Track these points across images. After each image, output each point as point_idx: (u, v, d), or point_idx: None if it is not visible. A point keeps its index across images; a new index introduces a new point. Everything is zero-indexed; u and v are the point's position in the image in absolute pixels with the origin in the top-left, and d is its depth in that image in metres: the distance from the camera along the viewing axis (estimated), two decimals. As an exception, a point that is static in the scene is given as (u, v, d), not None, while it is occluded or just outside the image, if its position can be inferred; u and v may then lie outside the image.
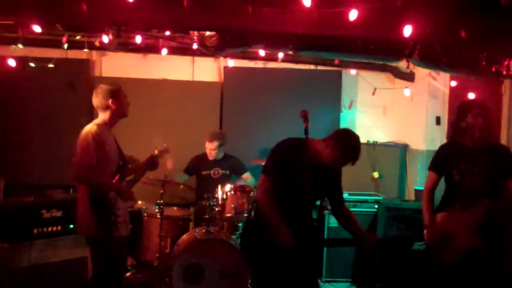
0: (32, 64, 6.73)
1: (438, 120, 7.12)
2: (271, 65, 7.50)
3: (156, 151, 4.83)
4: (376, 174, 7.20)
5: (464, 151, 4.41)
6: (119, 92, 4.39)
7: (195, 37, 5.45)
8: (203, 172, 6.58)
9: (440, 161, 4.57)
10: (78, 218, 4.31)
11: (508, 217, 4.34)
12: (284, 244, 3.75)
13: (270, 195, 3.87)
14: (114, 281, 4.37)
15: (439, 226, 4.45)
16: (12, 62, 6.60)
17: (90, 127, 4.26)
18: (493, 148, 4.44)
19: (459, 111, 4.52)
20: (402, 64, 7.05)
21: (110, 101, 4.31)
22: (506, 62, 5.40)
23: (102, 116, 4.37)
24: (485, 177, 4.31)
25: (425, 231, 4.57)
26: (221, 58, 7.36)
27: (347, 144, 3.90)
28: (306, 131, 3.88)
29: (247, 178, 6.60)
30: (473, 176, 4.33)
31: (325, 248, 6.48)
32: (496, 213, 4.25)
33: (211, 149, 6.47)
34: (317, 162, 3.91)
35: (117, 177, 4.32)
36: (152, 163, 4.71)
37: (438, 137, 7.21)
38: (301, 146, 3.80)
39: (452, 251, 4.33)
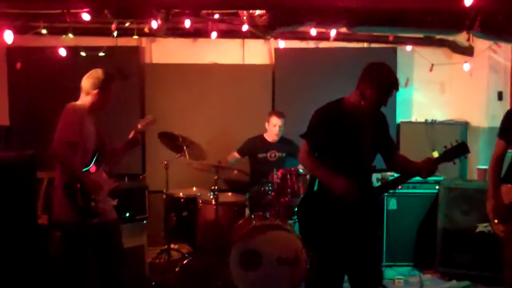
0: (82, 54, 6.73)
1: (500, 95, 6.84)
2: (323, 44, 7.30)
3: (139, 126, 4.55)
4: (435, 154, 6.90)
5: None
6: (109, 86, 4.26)
7: (244, 17, 5.31)
8: (259, 155, 6.51)
9: (508, 127, 4.28)
10: (54, 208, 4.17)
11: None
12: (345, 193, 3.68)
13: (309, 153, 3.86)
14: (107, 272, 4.34)
15: (505, 199, 4.16)
16: (63, 52, 6.61)
17: (74, 104, 4.16)
18: None
19: None
20: (460, 38, 6.79)
21: (96, 91, 4.19)
22: None
23: (84, 99, 4.24)
24: None
25: (487, 204, 4.30)
26: (272, 40, 7.21)
27: (379, 74, 3.76)
28: None
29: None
30: None
31: (384, 232, 6.30)
32: None
33: (279, 125, 6.37)
34: (361, 116, 3.82)
35: (92, 166, 4.17)
36: (133, 140, 4.55)
37: (500, 113, 6.83)
38: (337, 107, 3.86)
39: None
